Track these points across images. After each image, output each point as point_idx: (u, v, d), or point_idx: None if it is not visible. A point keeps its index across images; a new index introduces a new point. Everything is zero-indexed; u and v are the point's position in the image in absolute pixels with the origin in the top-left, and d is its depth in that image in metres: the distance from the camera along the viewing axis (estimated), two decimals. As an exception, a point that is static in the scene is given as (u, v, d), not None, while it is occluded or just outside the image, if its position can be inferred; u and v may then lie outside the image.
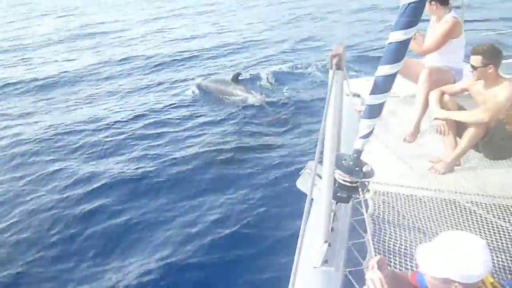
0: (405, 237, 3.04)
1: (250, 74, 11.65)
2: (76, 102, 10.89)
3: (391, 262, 2.79)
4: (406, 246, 2.93)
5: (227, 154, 7.32)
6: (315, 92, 10.08)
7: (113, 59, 14.70)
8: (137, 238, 5.43)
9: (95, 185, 6.61)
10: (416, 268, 2.51)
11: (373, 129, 2.43)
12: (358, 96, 5.01)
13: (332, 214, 2.73)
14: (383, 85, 2.28)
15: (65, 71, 13.56)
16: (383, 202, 3.37)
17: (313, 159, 3.01)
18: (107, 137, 8.49)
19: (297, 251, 2.65)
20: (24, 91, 12.02)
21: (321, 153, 2.44)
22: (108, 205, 6.11)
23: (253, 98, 9.63)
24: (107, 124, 9.07)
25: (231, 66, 13.04)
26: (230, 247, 5.05)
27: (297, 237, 2.85)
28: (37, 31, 20.36)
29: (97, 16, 23.85)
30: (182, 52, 15.06)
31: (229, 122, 8.80)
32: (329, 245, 2.57)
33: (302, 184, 3.08)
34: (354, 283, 2.48)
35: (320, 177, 2.84)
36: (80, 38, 18.67)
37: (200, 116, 9.28)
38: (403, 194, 3.59)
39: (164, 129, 8.68)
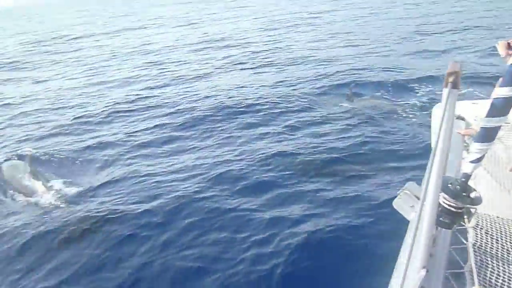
0: (509, 272, 2.81)
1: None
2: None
3: (492, 297, 2.59)
4: (510, 282, 2.71)
5: (324, 164, 7.33)
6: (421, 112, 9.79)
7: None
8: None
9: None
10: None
11: (485, 154, 2.29)
12: (463, 119, 4.75)
13: (432, 239, 2.59)
14: (502, 108, 2.15)
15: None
16: (486, 233, 3.15)
17: (412, 181, 2.92)
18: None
19: (393, 274, 2.56)
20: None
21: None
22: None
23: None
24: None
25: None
26: (322, 263, 5.02)
27: (390, 258, 2.76)
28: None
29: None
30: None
31: (334, 134, 8.79)
32: (427, 271, 2.44)
33: (399, 205, 2.96)
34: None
35: (418, 199, 2.73)
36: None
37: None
38: (508, 227, 3.33)
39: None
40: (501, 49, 4.17)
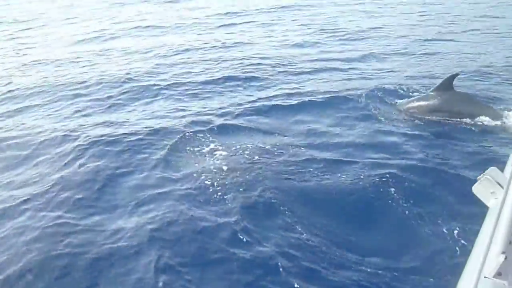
0: None
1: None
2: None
3: None
4: None
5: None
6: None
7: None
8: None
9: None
10: None
11: None
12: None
13: (513, 226, 2.53)
14: None
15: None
16: None
17: (494, 165, 2.84)
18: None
19: (469, 258, 2.53)
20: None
21: None
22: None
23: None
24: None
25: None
26: (395, 249, 5.02)
27: (468, 245, 2.73)
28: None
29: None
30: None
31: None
32: (506, 257, 2.40)
33: (479, 190, 2.90)
34: (528, 304, 2.29)
35: (501, 186, 2.66)
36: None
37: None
38: None
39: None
40: None
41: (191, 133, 8.32)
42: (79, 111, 10.38)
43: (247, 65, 13.08)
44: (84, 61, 14.88)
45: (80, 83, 12.35)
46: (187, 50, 15.51)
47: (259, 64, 13.07)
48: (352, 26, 17.96)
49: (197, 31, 18.51)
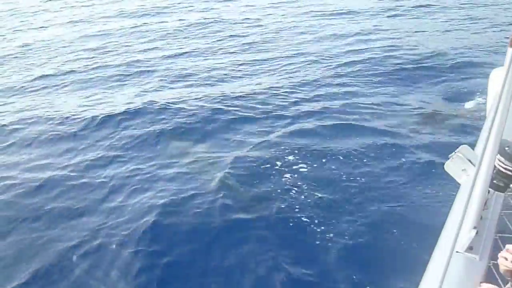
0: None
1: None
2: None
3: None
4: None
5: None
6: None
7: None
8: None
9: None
10: None
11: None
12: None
13: (484, 202, 2.60)
14: None
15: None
16: (539, 199, 3.11)
17: (464, 143, 2.90)
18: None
19: (442, 233, 2.60)
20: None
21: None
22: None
23: None
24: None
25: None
26: (371, 227, 5.08)
27: (440, 221, 2.79)
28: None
29: None
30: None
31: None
32: (477, 232, 2.47)
33: (451, 168, 2.96)
34: (498, 277, 2.36)
35: (472, 163, 2.71)
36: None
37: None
38: None
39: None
40: None
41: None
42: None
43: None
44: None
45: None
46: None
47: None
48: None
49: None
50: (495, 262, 2.47)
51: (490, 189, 2.51)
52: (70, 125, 8.69)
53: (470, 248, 2.43)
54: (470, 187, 2.53)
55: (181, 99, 9.56)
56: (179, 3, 20.61)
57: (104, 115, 8.89)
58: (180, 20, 17.61)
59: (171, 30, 16.18)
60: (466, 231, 2.46)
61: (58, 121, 8.92)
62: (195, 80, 10.94)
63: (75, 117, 9.01)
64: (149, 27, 16.95)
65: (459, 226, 2.47)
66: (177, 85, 10.71)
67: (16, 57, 14.42)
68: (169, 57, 13.04)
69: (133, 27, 16.89)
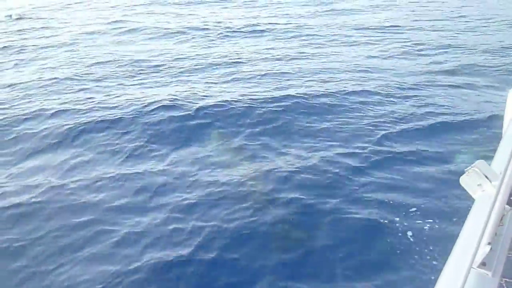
0: None
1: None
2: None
3: (554, 284, 2.55)
4: None
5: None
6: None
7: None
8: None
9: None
10: None
11: None
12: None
13: (500, 218, 2.57)
14: None
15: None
16: (554, 220, 3.06)
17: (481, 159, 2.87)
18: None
19: (454, 248, 2.56)
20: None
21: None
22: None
23: None
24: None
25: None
26: (382, 238, 5.06)
27: (454, 235, 2.76)
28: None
29: None
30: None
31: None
32: (491, 248, 2.43)
33: (466, 182, 2.93)
34: (509, 296, 2.34)
35: (488, 178, 2.69)
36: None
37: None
38: None
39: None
40: None
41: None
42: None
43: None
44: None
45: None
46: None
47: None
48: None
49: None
50: (508, 279, 2.44)
51: (506, 205, 2.48)
52: (116, 114, 9.16)
53: (483, 264, 2.40)
54: (486, 203, 2.51)
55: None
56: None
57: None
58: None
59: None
60: (480, 247, 2.42)
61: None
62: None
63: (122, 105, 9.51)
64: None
65: (473, 241, 2.44)
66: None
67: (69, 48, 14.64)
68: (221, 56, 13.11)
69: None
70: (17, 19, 19.50)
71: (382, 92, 10.14)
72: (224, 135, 8.27)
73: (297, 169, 6.80)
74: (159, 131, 8.46)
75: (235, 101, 9.55)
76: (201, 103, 9.45)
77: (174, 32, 16.69)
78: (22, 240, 5.67)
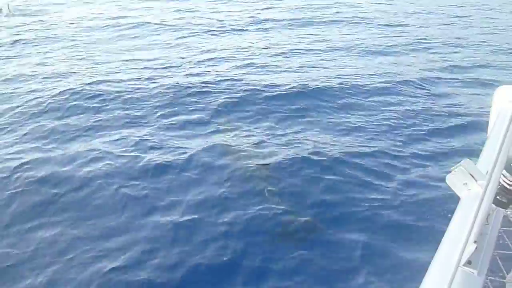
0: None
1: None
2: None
3: (539, 283, 2.58)
4: (558, 272, 2.69)
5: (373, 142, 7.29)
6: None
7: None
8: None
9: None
10: None
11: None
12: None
13: (486, 217, 2.58)
14: None
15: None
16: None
17: (467, 157, 2.89)
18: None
19: (440, 246, 2.57)
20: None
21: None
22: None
23: None
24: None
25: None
26: (368, 237, 5.08)
27: (440, 234, 2.77)
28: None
29: None
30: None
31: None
32: (476, 247, 2.45)
33: (452, 181, 2.94)
34: (493, 293, 2.35)
35: (474, 178, 2.71)
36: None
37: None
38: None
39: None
40: None
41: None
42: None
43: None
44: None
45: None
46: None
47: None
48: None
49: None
50: (493, 278, 2.46)
51: (492, 204, 2.49)
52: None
53: (468, 263, 2.41)
54: (471, 202, 2.52)
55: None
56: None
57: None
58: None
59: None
60: (466, 245, 2.43)
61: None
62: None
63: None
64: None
65: (460, 240, 2.45)
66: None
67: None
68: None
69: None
70: (7, 14, 19.08)
71: (390, 86, 10.43)
72: (231, 124, 8.47)
73: (298, 159, 6.98)
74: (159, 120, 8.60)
75: (241, 90, 9.90)
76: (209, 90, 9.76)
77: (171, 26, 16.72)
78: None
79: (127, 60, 12.56)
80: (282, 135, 7.98)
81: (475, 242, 2.42)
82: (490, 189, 2.33)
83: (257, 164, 6.85)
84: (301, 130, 8.20)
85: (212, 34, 15.54)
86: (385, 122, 8.32)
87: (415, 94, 9.91)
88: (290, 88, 10.19)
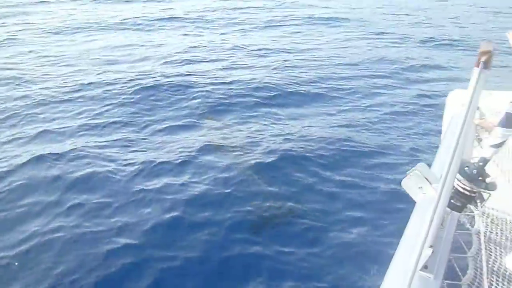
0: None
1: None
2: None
3: (492, 284, 2.61)
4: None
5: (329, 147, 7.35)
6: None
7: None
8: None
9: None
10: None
11: (506, 139, 2.26)
12: (477, 108, 4.70)
13: (441, 221, 2.58)
14: (531, 95, 2.10)
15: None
16: (491, 221, 3.15)
17: (422, 161, 2.90)
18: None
19: (397, 251, 2.56)
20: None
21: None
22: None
23: None
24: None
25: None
26: (326, 244, 5.05)
27: (397, 238, 2.76)
28: None
29: None
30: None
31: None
32: (432, 251, 2.44)
33: (408, 185, 2.95)
34: (451, 297, 2.36)
35: (429, 181, 2.71)
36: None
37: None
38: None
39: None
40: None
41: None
42: None
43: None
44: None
45: None
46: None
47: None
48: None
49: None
50: (449, 281, 2.46)
51: (447, 208, 2.49)
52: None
53: (425, 267, 2.40)
54: (427, 205, 2.51)
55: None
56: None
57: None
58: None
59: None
60: (422, 250, 2.42)
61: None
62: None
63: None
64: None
65: (416, 244, 2.44)
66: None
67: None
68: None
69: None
70: None
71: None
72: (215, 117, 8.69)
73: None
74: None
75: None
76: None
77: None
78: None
79: (104, 62, 12.25)
80: (265, 131, 8.08)
81: (431, 246, 2.41)
82: (444, 193, 2.32)
83: (242, 161, 6.90)
84: (285, 126, 8.33)
85: (186, 34, 15.47)
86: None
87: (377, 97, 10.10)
88: (263, 85, 10.42)
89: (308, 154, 7.17)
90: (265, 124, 8.39)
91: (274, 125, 8.34)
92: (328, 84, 10.71)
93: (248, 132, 8.00)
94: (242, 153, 7.17)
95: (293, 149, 7.32)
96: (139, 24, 16.67)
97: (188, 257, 4.99)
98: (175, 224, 5.56)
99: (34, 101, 9.38)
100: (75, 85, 10.34)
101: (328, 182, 6.39)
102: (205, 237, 5.30)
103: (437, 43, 15.24)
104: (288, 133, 7.88)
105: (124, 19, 17.28)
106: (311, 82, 10.75)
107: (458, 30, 17.16)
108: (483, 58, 2.10)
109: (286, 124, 8.39)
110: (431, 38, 15.73)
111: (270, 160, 6.96)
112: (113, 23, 16.81)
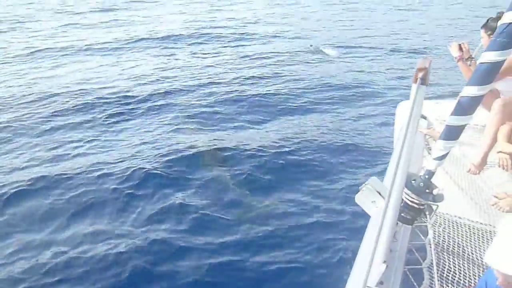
0: (464, 269, 2.89)
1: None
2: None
3: (447, 293, 2.66)
4: (465, 278, 2.78)
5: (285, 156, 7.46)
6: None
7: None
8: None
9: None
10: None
11: (449, 151, 2.32)
12: (425, 118, 4.84)
13: (393, 234, 2.61)
14: (468, 107, 2.17)
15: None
16: (443, 230, 3.22)
17: (374, 175, 2.94)
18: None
19: (353, 267, 2.56)
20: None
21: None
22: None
23: None
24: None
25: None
26: (282, 260, 5.02)
27: (350, 253, 2.77)
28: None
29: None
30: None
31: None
32: (387, 266, 2.46)
33: (361, 200, 2.97)
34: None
35: (381, 195, 2.74)
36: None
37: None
38: (464, 226, 3.42)
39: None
40: (453, 51, 4.33)
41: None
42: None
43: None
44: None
45: None
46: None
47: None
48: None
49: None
50: (405, 294, 2.49)
51: (398, 221, 2.52)
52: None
53: (381, 283, 2.41)
54: (380, 219, 2.53)
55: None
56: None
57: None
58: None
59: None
60: (377, 265, 2.44)
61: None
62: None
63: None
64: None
65: (370, 260, 2.44)
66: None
67: None
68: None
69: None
70: None
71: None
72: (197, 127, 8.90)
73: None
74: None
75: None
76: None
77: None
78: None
79: (74, 85, 12.02)
80: (248, 135, 8.40)
81: (384, 262, 2.43)
82: (392, 207, 2.35)
83: (219, 172, 6.99)
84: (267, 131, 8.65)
85: (155, 55, 15.45)
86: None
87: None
88: (237, 97, 10.67)
89: (281, 161, 7.42)
90: (241, 135, 8.56)
91: (249, 136, 8.44)
92: (295, 97, 10.93)
93: (223, 143, 8.14)
94: (218, 164, 7.30)
95: (268, 156, 7.53)
96: (106, 49, 16.38)
97: (169, 269, 4.97)
98: (158, 234, 5.53)
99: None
100: (44, 111, 10.05)
101: (301, 191, 6.52)
102: (186, 246, 5.34)
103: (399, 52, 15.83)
104: (262, 144, 7.98)
105: (90, 44, 16.92)
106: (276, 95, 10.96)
107: (417, 40, 17.82)
108: (420, 74, 2.16)
109: (261, 135, 8.55)
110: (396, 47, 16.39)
111: (246, 169, 7.07)
112: (80, 48, 16.50)
